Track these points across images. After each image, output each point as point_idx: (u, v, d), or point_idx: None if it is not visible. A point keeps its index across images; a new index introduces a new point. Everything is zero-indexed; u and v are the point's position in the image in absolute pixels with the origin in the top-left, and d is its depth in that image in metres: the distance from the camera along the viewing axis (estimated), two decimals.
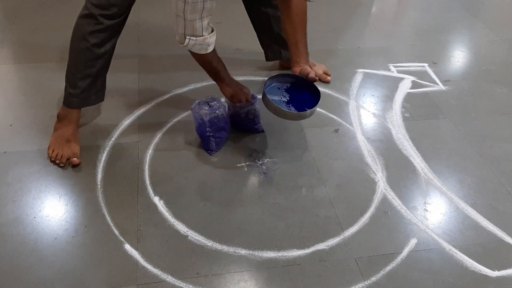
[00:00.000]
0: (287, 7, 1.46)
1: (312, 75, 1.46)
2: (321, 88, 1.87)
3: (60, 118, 1.53)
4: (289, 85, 1.51)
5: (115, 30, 1.46)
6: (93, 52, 1.43)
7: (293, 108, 1.44)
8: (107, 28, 1.42)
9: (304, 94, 1.48)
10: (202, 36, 1.32)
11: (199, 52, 1.38)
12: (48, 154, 1.49)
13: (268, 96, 1.43)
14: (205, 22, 1.31)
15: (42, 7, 2.32)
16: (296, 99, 1.47)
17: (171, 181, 1.44)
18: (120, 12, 1.42)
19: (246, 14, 1.80)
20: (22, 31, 2.14)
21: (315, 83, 1.47)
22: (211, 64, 1.46)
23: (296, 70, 1.48)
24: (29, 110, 1.68)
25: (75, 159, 1.46)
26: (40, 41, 2.06)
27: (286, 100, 1.47)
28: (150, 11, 2.33)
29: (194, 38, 1.32)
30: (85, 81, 1.47)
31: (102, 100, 1.56)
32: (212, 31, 1.37)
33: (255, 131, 1.62)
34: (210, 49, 1.38)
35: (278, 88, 1.51)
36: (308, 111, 1.42)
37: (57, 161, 1.46)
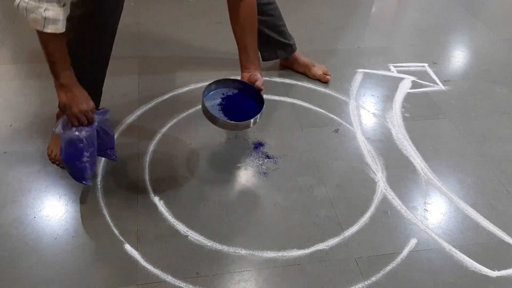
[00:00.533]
0: (235, 10, 1.35)
1: (259, 83, 1.31)
2: (321, 88, 1.88)
3: (58, 118, 1.53)
4: (236, 91, 1.35)
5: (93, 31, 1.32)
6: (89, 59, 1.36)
7: (231, 117, 1.27)
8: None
9: (248, 102, 1.32)
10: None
11: (33, 26, 1.12)
12: (48, 154, 1.49)
13: (207, 103, 1.28)
14: None
15: None
16: (239, 108, 1.31)
17: (171, 181, 1.44)
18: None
19: None
20: (22, 31, 2.14)
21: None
22: (46, 48, 1.18)
23: (245, 75, 1.35)
24: (29, 110, 1.68)
25: None
26: None
27: (226, 108, 1.31)
28: (150, 11, 2.33)
29: (26, 0, 1.08)
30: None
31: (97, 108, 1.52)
32: (60, 4, 1.12)
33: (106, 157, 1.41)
34: (47, 28, 1.12)
35: (223, 93, 1.34)
36: (244, 122, 1.26)
37: (57, 162, 1.47)
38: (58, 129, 1.23)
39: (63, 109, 1.25)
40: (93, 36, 1.36)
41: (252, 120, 1.26)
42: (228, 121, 1.25)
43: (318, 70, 1.90)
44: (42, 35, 1.14)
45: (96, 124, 1.27)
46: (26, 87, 1.81)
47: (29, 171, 1.45)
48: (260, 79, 1.33)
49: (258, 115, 1.26)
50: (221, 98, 1.33)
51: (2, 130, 1.60)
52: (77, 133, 1.22)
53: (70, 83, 1.23)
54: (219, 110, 1.29)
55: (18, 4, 1.09)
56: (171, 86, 1.82)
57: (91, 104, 1.26)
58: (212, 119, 1.26)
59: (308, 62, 1.91)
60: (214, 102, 1.31)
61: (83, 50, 1.33)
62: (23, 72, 1.89)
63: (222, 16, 2.25)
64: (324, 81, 1.89)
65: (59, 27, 1.13)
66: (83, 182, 1.29)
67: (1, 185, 1.41)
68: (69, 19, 1.23)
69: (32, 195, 1.38)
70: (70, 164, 1.26)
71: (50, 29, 1.12)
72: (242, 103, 1.33)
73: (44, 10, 1.09)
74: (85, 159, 1.24)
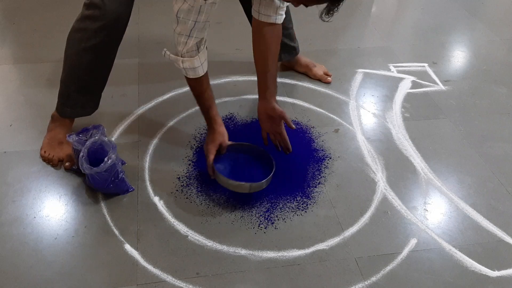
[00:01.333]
0: (260, 35, 1.37)
1: (288, 119, 1.40)
2: (321, 88, 1.88)
3: (54, 119, 1.53)
4: (244, 155, 1.43)
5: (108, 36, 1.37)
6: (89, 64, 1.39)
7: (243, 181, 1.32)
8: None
9: (257, 167, 1.40)
10: (176, 55, 1.26)
11: (186, 74, 1.31)
12: (40, 154, 1.49)
13: (217, 166, 1.36)
14: (192, 41, 1.22)
15: (42, 7, 2.32)
16: (247, 172, 1.39)
17: (171, 181, 1.44)
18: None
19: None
20: (22, 31, 2.14)
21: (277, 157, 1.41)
22: (191, 89, 1.36)
23: (261, 107, 1.43)
24: (29, 110, 1.68)
25: (67, 163, 1.45)
26: (40, 41, 2.06)
27: (234, 171, 1.38)
28: (150, 11, 2.33)
29: (168, 53, 1.28)
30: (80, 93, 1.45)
31: (96, 109, 1.53)
32: (197, 53, 1.25)
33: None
34: (189, 75, 1.30)
35: (230, 159, 1.41)
36: (250, 184, 1.30)
37: (50, 163, 1.47)
38: (88, 168, 1.28)
39: (206, 146, 1.38)
40: (107, 47, 1.39)
41: (259, 183, 1.31)
42: (235, 182, 1.30)
43: (319, 70, 1.90)
44: (186, 78, 1.32)
45: (114, 143, 1.35)
46: (26, 87, 1.81)
47: (29, 171, 1.45)
48: (284, 114, 1.40)
49: (265, 180, 1.32)
50: (229, 161, 1.41)
51: (2, 130, 1.60)
52: (110, 161, 1.29)
53: (213, 124, 1.38)
54: (228, 173, 1.36)
55: (165, 53, 1.28)
56: (171, 86, 1.82)
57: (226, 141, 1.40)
58: (221, 180, 1.33)
59: (309, 62, 1.91)
60: (222, 165, 1.39)
61: (94, 58, 1.38)
62: (23, 72, 1.89)
63: (222, 16, 2.26)
64: (325, 82, 1.89)
65: (198, 73, 1.29)
66: (130, 190, 1.39)
67: (1, 185, 1.41)
68: (83, 30, 1.33)
69: (32, 195, 1.38)
70: (111, 186, 1.34)
71: (191, 75, 1.29)
72: (250, 167, 1.41)
73: (182, 62, 1.26)
74: (120, 174, 1.34)
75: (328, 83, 1.89)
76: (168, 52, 1.27)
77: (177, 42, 1.23)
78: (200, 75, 1.30)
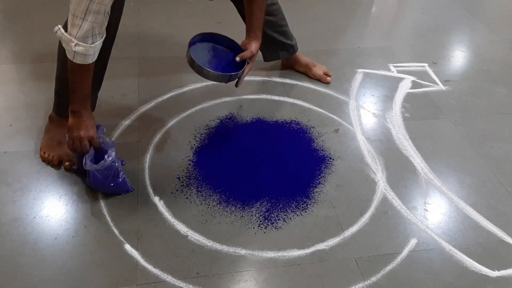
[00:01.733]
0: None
1: (247, 53, 1.42)
2: (321, 88, 1.88)
3: (52, 120, 1.53)
4: (220, 46, 1.48)
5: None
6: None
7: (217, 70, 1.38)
8: None
9: (231, 56, 1.45)
10: (71, 35, 1.17)
11: (68, 55, 1.21)
12: (40, 155, 1.49)
13: (192, 54, 1.37)
14: (86, 26, 1.15)
15: (42, 7, 2.33)
16: (224, 61, 1.43)
17: (171, 181, 1.44)
18: None
19: None
20: (22, 31, 2.14)
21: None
22: (71, 75, 1.25)
23: (243, 42, 1.47)
24: (29, 110, 1.68)
25: (67, 163, 1.45)
26: (40, 41, 2.06)
27: (212, 61, 1.43)
28: (150, 11, 2.33)
29: (61, 32, 1.19)
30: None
31: (93, 110, 1.49)
32: (92, 42, 1.19)
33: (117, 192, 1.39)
34: (76, 60, 1.20)
35: (208, 48, 1.46)
36: (229, 74, 1.37)
37: (50, 164, 1.47)
38: (90, 164, 1.29)
39: (68, 132, 1.32)
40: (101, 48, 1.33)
41: (236, 73, 1.37)
42: (214, 72, 1.35)
43: (318, 70, 1.90)
44: (70, 63, 1.22)
45: (113, 141, 1.36)
46: (26, 87, 1.81)
47: (29, 171, 1.45)
48: (251, 49, 1.41)
49: (240, 71, 1.37)
50: (207, 51, 1.43)
51: (2, 130, 1.60)
52: (110, 158, 1.30)
53: (81, 109, 1.30)
54: (204, 62, 1.38)
55: (56, 31, 1.19)
56: (171, 86, 1.82)
57: (95, 132, 1.33)
58: (198, 68, 1.35)
59: (309, 62, 1.92)
60: (199, 53, 1.40)
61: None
62: (23, 72, 1.89)
63: (222, 16, 2.26)
64: (325, 82, 1.89)
65: (88, 60, 1.21)
66: (130, 190, 1.39)
67: (1, 185, 1.41)
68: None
69: (32, 195, 1.38)
70: (112, 186, 1.34)
71: (78, 61, 1.20)
72: (226, 57, 1.44)
73: (75, 45, 1.17)
74: (121, 173, 1.34)
75: (327, 83, 1.89)
76: (62, 30, 1.19)
77: (72, 24, 1.17)
78: (89, 63, 1.22)
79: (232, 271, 1.21)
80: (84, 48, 1.18)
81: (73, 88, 1.27)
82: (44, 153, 1.48)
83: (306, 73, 1.93)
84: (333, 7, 2.48)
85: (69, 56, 1.20)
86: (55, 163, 1.46)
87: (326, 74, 1.90)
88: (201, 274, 1.19)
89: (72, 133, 1.31)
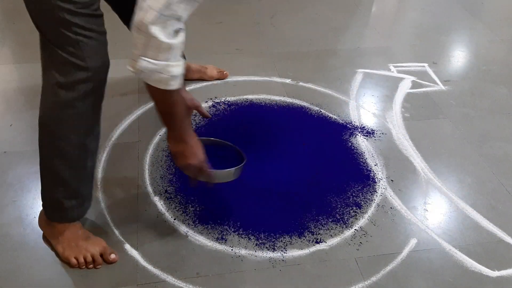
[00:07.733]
0: None
1: (201, 108, 1.24)
2: (321, 88, 1.88)
3: (48, 225, 1.24)
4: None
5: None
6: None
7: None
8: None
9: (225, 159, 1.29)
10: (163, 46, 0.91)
11: (154, 85, 0.97)
12: (73, 265, 1.19)
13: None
14: (171, 25, 0.97)
15: None
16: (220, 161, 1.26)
17: (171, 181, 1.44)
18: None
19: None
20: (22, 31, 2.14)
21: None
22: (164, 102, 1.05)
23: (192, 103, 1.23)
24: (29, 110, 1.68)
25: (113, 256, 1.21)
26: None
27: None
28: None
29: (152, 61, 0.92)
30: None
31: (83, 215, 1.27)
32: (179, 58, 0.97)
33: None
34: (171, 86, 0.97)
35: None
36: (234, 169, 1.22)
37: (90, 266, 1.19)
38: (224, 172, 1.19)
39: (177, 161, 1.15)
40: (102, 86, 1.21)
41: (241, 166, 1.24)
42: (223, 170, 1.20)
43: (213, 71, 1.85)
44: (163, 92, 0.98)
45: None
46: (26, 87, 1.81)
47: (29, 171, 1.45)
48: (197, 103, 1.23)
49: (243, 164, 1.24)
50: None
51: (2, 130, 1.60)
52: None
53: (185, 133, 1.12)
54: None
55: (142, 65, 0.92)
56: None
57: (200, 161, 1.14)
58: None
59: (199, 66, 1.85)
60: None
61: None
62: (23, 72, 1.89)
63: (222, 16, 2.26)
64: (223, 78, 1.84)
65: (182, 82, 1.01)
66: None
67: (1, 185, 1.41)
68: (72, 87, 1.16)
69: (32, 195, 1.38)
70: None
71: (173, 85, 0.97)
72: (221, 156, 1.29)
73: (174, 68, 0.95)
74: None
75: (226, 77, 1.84)
76: (147, 59, 0.92)
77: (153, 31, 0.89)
78: (179, 86, 1.00)
79: (232, 271, 1.21)
80: (181, 68, 0.97)
81: (171, 113, 1.08)
82: (75, 258, 1.19)
83: (202, 78, 1.85)
84: (333, 7, 2.48)
85: (162, 85, 0.96)
86: (99, 261, 1.19)
87: (220, 71, 1.86)
88: (201, 274, 1.19)
89: (188, 161, 1.12)
